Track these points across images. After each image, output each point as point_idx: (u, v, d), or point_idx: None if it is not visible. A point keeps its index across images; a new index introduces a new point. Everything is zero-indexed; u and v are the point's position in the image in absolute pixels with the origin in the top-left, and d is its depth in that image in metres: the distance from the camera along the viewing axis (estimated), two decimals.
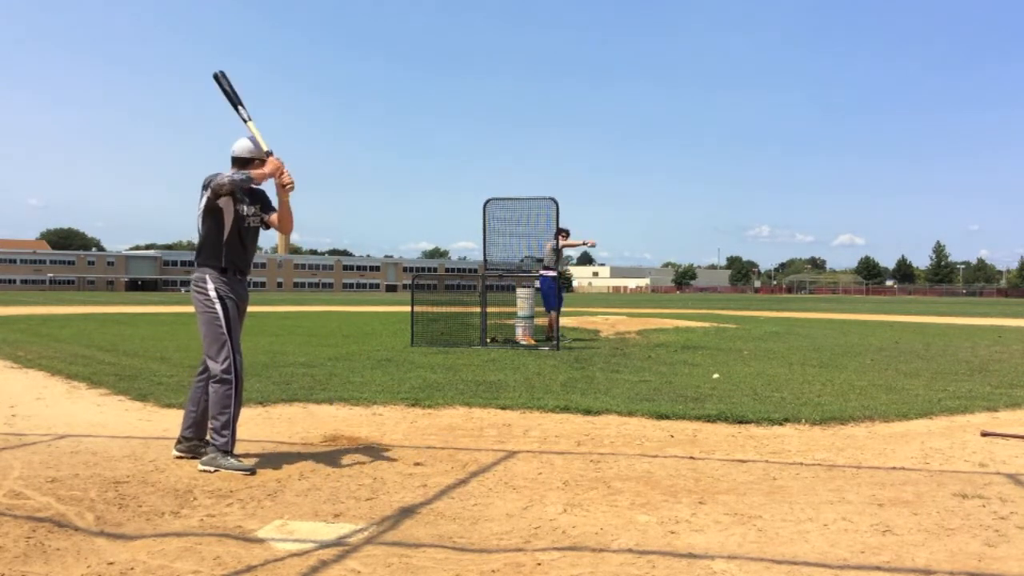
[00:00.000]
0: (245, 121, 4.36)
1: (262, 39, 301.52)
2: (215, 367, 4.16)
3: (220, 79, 4.39)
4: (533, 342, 11.42)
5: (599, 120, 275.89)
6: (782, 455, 4.52)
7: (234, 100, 4.37)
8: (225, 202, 4.17)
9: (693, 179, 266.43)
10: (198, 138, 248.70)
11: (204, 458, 4.12)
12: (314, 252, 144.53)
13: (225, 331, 4.16)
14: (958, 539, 3.06)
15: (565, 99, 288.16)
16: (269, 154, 4.25)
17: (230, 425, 4.11)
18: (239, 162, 4.28)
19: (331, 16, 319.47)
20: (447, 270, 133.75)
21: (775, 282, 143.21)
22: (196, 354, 10.19)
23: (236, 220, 4.24)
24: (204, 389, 4.26)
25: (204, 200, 4.16)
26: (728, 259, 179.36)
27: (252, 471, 4.01)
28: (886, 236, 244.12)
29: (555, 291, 11.38)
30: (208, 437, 4.19)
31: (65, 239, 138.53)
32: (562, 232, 11.45)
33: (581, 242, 12.79)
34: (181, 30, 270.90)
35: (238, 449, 4.23)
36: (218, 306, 4.18)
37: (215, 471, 4.02)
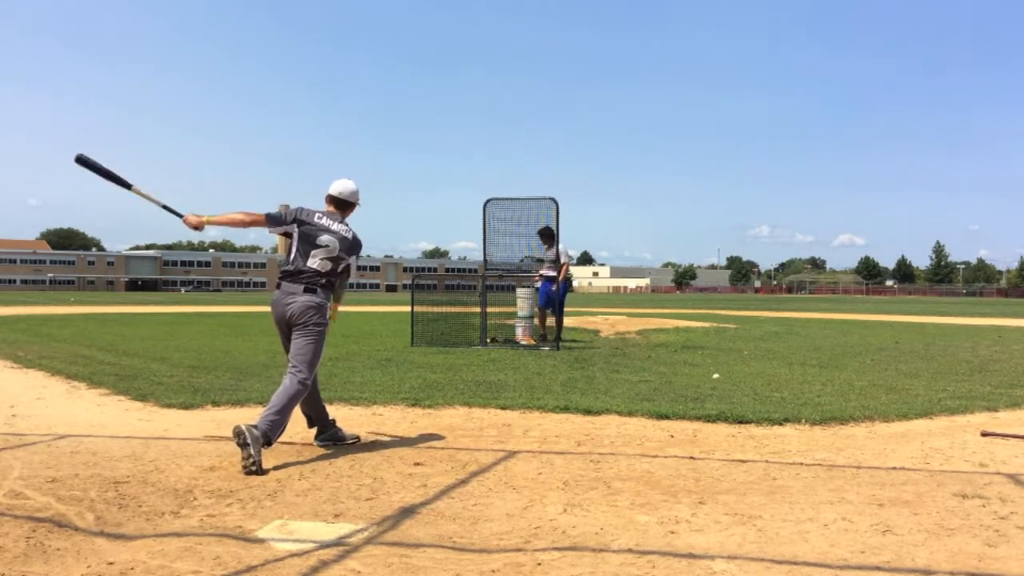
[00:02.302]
0: (128, 187, 4.46)
1: (261, 37, 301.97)
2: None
3: (84, 161, 4.45)
4: (533, 342, 11.41)
5: (600, 120, 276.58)
6: (782, 455, 4.52)
7: (106, 175, 4.46)
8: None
9: (693, 179, 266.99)
10: (199, 138, 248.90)
11: (255, 430, 4.07)
12: None
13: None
14: (958, 539, 3.06)
15: (565, 98, 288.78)
16: (167, 208, 4.46)
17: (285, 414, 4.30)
18: (332, 199, 4.65)
19: (330, 13, 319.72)
20: (447, 270, 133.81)
21: (775, 282, 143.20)
22: (195, 354, 10.23)
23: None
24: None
25: None
26: (728, 259, 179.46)
27: (265, 472, 4.02)
28: (886, 236, 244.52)
29: (552, 292, 11.24)
30: (259, 420, 4.18)
31: (65, 239, 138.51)
32: (544, 231, 11.21)
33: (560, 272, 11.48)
34: (182, 28, 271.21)
35: (233, 447, 4.23)
36: None
37: (251, 459, 3.96)
